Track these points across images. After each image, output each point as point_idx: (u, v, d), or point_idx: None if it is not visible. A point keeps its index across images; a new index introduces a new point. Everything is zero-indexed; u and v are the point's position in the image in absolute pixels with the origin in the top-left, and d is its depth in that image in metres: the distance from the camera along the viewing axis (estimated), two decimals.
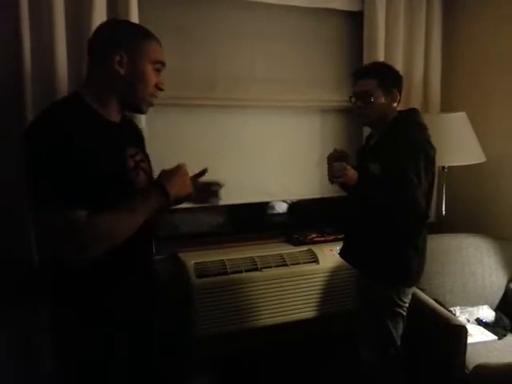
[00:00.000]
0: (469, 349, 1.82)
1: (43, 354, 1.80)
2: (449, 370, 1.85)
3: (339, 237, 2.44)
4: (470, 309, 2.16)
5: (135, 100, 1.30)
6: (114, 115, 1.31)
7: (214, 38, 2.22)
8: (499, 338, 2.01)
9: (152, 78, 1.29)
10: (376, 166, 1.72)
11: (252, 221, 2.62)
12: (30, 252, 1.77)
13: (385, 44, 2.37)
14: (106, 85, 1.27)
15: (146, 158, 1.41)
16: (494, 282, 2.23)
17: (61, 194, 1.14)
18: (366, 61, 2.34)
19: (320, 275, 2.28)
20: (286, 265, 2.23)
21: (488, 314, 2.14)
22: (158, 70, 1.31)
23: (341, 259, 2.16)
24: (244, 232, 2.49)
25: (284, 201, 2.73)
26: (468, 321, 2.09)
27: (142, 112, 1.36)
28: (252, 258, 2.21)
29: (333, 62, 2.47)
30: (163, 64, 1.32)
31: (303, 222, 2.64)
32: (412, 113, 1.86)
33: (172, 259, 2.19)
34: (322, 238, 2.44)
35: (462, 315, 2.11)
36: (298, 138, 2.46)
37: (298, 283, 2.24)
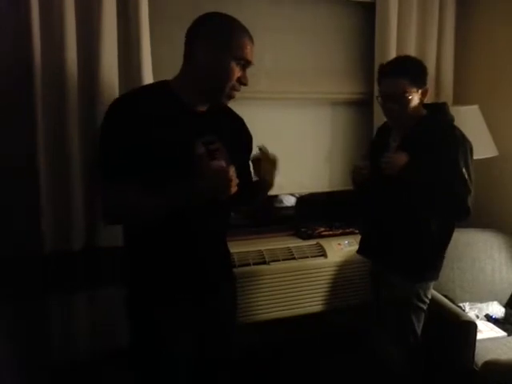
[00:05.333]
0: (478, 345, 1.82)
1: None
2: (458, 366, 1.84)
3: (347, 231, 2.44)
4: (479, 305, 2.14)
5: (214, 91, 1.34)
6: (198, 104, 1.36)
7: None
8: (508, 335, 2.00)
9: (234, 72, 1.31)
10: (417, 161, 1.65)
11: (260, 214, 2.61)
12: (42, 239, 1.78)
13: (397, 35, 2.33)
14: (190, 74, 1.33)
15: (231, 149, 1.39)
16: (504, 278, 2.21)
17: (117, 169, 1.25)
18: (378, 52, 2.31)
19: (328, 269, 2.27)
20: (293, 258, 2.23)
21: (497, 310, 2.13)
22: (242, 66, 1.33)
23: (349, 253, 2.16)
24: (252, 225, 2.48)
25: (292, 194, 2.72)
26: (477, 317, 2.08)
27: (219, 104, 1.38)
28: (260, 252, 2.21)
29: (344, 53, 2.44)
30: (248, 62, 1.34)
31: (311, 215, 2.63)
32: (443, 106, 1.81)
33: None
34: (331, 232, 2.43)
35: (471, 311, 2.09)
36: (307, 130, 2.44)
37: (306, 277, 2.24)
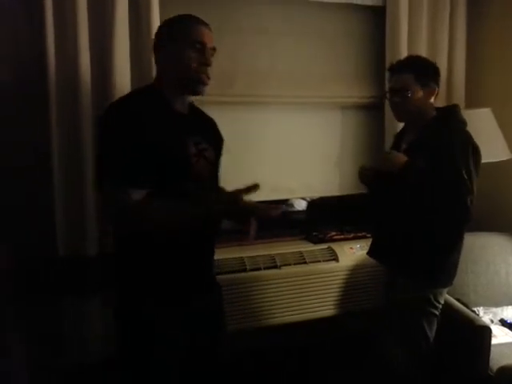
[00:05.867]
0: (493, 350, 1.79)
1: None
2: (472, 371, 1.82)
3: (359, 235, 2.42)
4: (493, 309, 2.11)
5: (182, 82, 1.39)
6: (181, 106, 1.42)
7: (234, 35, 2.22)
8: None
9: (189, 56, 1.37)
10: (419, 162, 1.68)
11: (271, 218, 2.61)
12: (56, 242, 1.81)
13: (407, 39, 2.33)
14: (163, 74, 1.42)
15: (212, 149, 1.48)
16: None
17: (123, 172, 1.26)
18: (389, 56, 2.31)
19: (340, 273, 2.26)
20: (305, 263, 2.22)
21: None
22: (198, 50, 1.37)
23: (361, 257, 2.15)
24: (263, 229, 2.48)
25: (303, 198, 2.72)
26: (492, 321, 2.05)
27: (197, 92, 1.43)
28: (271, 256, 2.21)
29: (354, 57, 2.45)
30: (203, 43, 1.38)
31: (322, 219, 2.62)
32: (454, 109, 1.83)
33: None
34: (342, 236, 2.42)
35: (485, 316, 2.06)
36: (318, 134, 2.44)
37: (318, 281, 2.23)
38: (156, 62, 1.44)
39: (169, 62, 1.40)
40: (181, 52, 1.37)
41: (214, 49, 1.42)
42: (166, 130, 1.33)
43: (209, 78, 1.41)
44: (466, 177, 1.63)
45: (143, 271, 1.37)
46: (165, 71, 1.42)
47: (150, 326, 1.35)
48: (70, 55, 1.79)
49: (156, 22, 1.88)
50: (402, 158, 1.71)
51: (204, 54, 1.39)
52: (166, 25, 1.45)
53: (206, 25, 1.43)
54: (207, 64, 1.40)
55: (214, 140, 1.53)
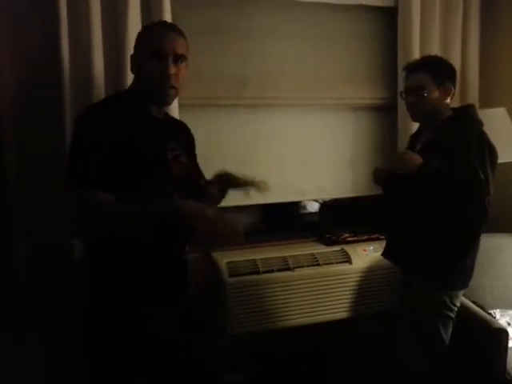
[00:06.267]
0: (510, 353, 1.77)
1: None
2: (489, 374, 1.79)
3: (373, 236, 2.41)
4: (510, 312, 2.08)
5: (147, 92, 1.38)
6: (156, 112, 1.43)
7: (245, 37, 2.23)
8: None
9: (147, 67, 1.35)
10: (434, 163, 1.67)
11: (284, 220, 2.61)
12: (72, 245, 1.82)
13: (420, 39, 2.31)
14: (137, 84, 1.42)
15: (186, 155, 1.49)
16: None
17: (88, 173, 1.26)
18: (401, 57, 2.30)
19: (353, 275, 2.24)
20: (318, 265, 2.21)
21: None
22: (158, 59, 1.34)
23: (375, 259, 2.14)
24: (276, 231, 2.48)
25: (316, 200, 2.71)
26: (509, 324, 2.01)
27: (161, 103, 1.43)
28: (284, 258, 2.20)
29: (366, 58, 2.44)
30: (162, 52, 1.34)
31: (335, 221, 2.61)
32: (469, 109, 1.82)
33: (205, 258, 2.21)
34: (355, 238, 2.40)
35: (502, 318, 2.03)
36: (330, 136, 2.44)
37: (331, 283, 2.21)
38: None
39: (135, 72, 1.41)
40: (142, 62, 1.37)
41: (182, 55, 1.37)
42: (141, 134, 1.34)
43: (174, 87, 1.37)
44: (482, 177, 1.61)
45: (112, 272, 1.36)
46: (135, 81, 1.43)
47: (122, 327, 1.34)
48: (83, 56, 1.81)
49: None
50: (416, 158, 1.70)
51: (165, 64, 1.34)
52: (137, 35, 1.44)
53: (173, 31, 1.38)
54: (167, 74, 1.34)
55: (187, 146, 1.54)
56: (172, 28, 1.41)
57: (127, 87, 1.84)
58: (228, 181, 1.59)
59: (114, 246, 1.33)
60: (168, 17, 1.91)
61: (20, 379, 1.76)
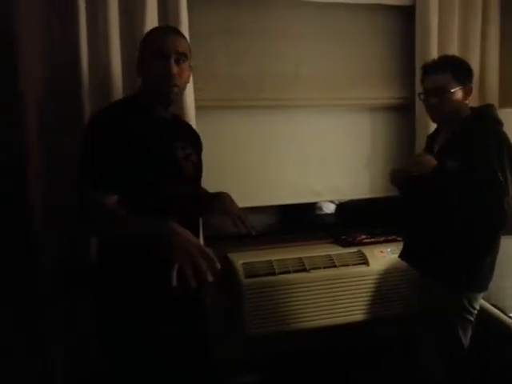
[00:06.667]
0: None
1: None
2: (509, 379, 1.76)
3: (390, 238, 2.38)
4: None
5: (153, 93, 1.43)
6: (163, 113, 1.47)
7: (262, 38, 2.22)
8: None
9: (152, 67, 1.40)
10: (450, 164, 1.66)
11: (300, 221, 2.60)
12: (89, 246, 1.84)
13: (438, 37, 2.28)
14: (142, 86, 1.46)
15: (196, 154, 1.52)
16: None
17: (95, 174, 1.30)
18: (419, 56, 2.27)
19: (370, 277, 2.22)
20: (334, 266, 2.20)
21: None
22: (162, 59, 1.39)
23: (392, 261, 2.12)
24: (292, 232, 2.48)
25: (332, 201, 2.70)
26: None
27: (167, 103, 1.46)
28: (300, 259, 2.19)
29: (382, 58, 2.41)
30: (165, 52, 1.39)
31: (352, 222, 2.59)
32: (489, 109, 1.80)
33: (221, 259, 2.21)
34: (372, 240, 2.38)
35: None
36: (346, 136, 2.42)
37: (347, 285, 2.20)
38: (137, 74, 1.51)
39: (142, 74, 1.46)
40: (147, 64, 1.42)
41: (183, 54, 1.42)
42: (151, 135, 1.37)
43: (176, 86, 1.42)
44: (501, 178, 1.58)
45: (120, 274, 1.39)
46: (141, 84, 1.48)
47: (133, 327, 1.37)
48: (102, 57, 1.82)
49: (185, 27, 1.90)
50: (432, 160, 1.69)
51: (167, 63, 1.39)
52: (143, 38, 1.50)
53: (173, 32, 1.47)
54: (170, 73, 1.39)
55: (196, 145, 1.58)
56: (173, 30, 1.50)
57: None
58: (223, 206, 1.59)
59: (123, 247, 1.36)
60: (185, 19, 1.91)
61: (45, 378, 1.78)
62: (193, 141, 1.58)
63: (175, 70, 1.40)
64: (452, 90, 1.69)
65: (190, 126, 1.66)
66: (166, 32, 1.47)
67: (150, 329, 1.38)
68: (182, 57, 1.42)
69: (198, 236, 1.59)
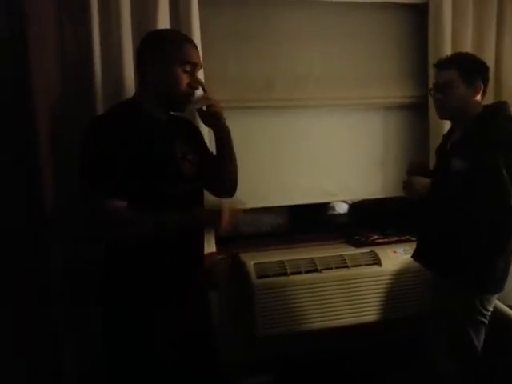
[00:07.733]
0: None
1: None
2: None
3: (403, 238, 2.36)
4: None
5: (170, 100, 1.45)
6: (161, 114, 1.48)
7: (273, 38, 2.21)
8: None
9: (181, 78, 1.41)
10: (460, 163, 1.65)
11: (312, 221, 2.59)
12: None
13: (451, 36, 2.25)
14: (148, 88, 1.45)
15: (192, 151, 1.53)
16: None
17: (106, 182, 1.32)
18: (432, 54, 2.24)
19: (383, 278, 2.21)
20: (346, 266, 2.18)
21: None
22: (189, 71, 1.42)
23: (405, 262, 2.10)
24: (304, 233, 2.46)
25: (344, 201, 2.68)
26: None
27: (179, 110, 1.50)
28: (312, 259, 2.18)
29: (395, 57, 2.39)
30: (194, 64, 1.44)
31: (364, 222, 2.57)
32: (501, 106, 1.77)
33: (233, 259, 2.21)
34: (385, 240, 2.36)
35: None
36: (359, 136, 2.40)
37: (360, 286, 2.19)
38: (139, 75, 1.50)
39: (157, 78, 1.43)
40: (171, 71, 1.41)
41: (201, 66, 1.51)
42: (150, 138, 1.39)
43: (193, 96, 1.49)
44: (505, 177, 1.55)
45: (128, 275, 1.41)
46: (151, 86, 1.44)
47: (140, 328, 1.39)
48: (114, 57, 1.83)
49: (196, 28, 1.90)
50: (423, 181, 1.71)
51: (194, 76, 1.44)
52: (154, 40, 1.47)
53: (191, 40, 1.52)
54: (197, 88, 1.47)
55: (196, 143, 1.59)
56: (191, 40, 1.53)
57: None
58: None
59: (129, 250, 1.39)
60: (196, 20, 1.92)
61: (57, 377, 1.79)
62: (191, 139, 1.58)
63: (199, 84, 1.49)
64: (456, 86, 1.68)
65: (189, 124, 1.66)
66: (190, 42, 1.49)
67: (155, 330, 1.40)
68: (199, 69, 1.50)
69: (201, 234, 1.61)
